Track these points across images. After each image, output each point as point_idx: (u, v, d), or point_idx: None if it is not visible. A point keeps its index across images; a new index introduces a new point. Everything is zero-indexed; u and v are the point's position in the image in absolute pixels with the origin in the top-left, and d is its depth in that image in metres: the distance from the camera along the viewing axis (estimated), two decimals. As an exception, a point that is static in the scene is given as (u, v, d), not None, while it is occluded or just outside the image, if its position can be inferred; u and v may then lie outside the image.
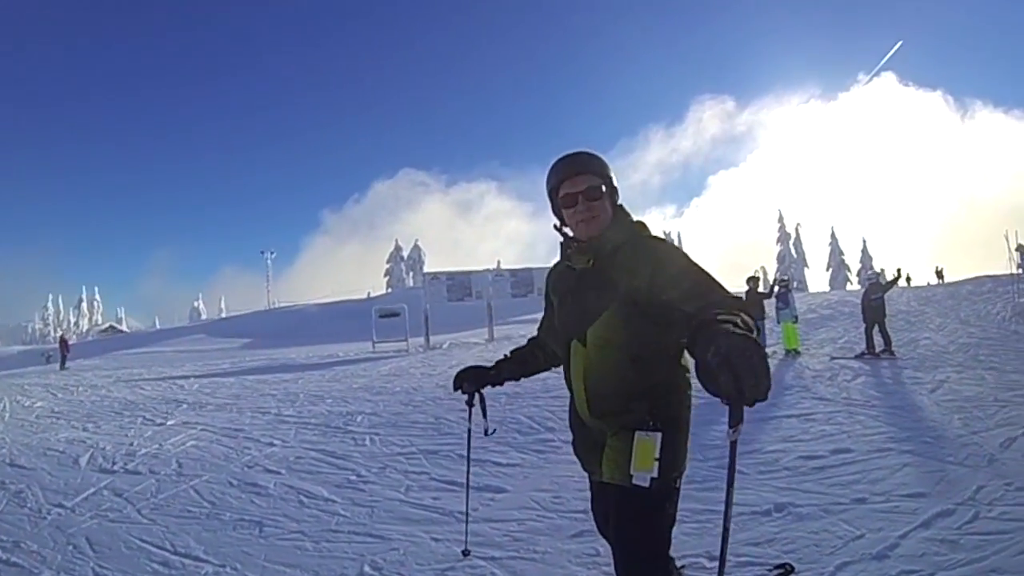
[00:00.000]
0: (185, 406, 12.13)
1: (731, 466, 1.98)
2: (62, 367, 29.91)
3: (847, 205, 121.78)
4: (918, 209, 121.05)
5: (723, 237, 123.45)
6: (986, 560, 3.77)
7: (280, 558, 4.47)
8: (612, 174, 2.50)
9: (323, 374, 16.34)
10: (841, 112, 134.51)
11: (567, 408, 2.69)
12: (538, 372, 3.05)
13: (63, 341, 33.56)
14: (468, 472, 3.84)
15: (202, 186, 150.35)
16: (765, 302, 15.25)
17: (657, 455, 2.25)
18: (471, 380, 3.00)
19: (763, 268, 70.43)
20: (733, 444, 1.86)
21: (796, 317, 14.87)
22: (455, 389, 3.01)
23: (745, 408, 1.64)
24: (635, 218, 2.54)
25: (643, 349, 2.34)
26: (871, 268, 61.60)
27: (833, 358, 13.14)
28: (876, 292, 14.45)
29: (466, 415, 3.22)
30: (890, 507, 4.71)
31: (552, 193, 2.53)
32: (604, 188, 2.45)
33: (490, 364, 3.07)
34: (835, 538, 4.23)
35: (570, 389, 2.59)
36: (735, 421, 1.72)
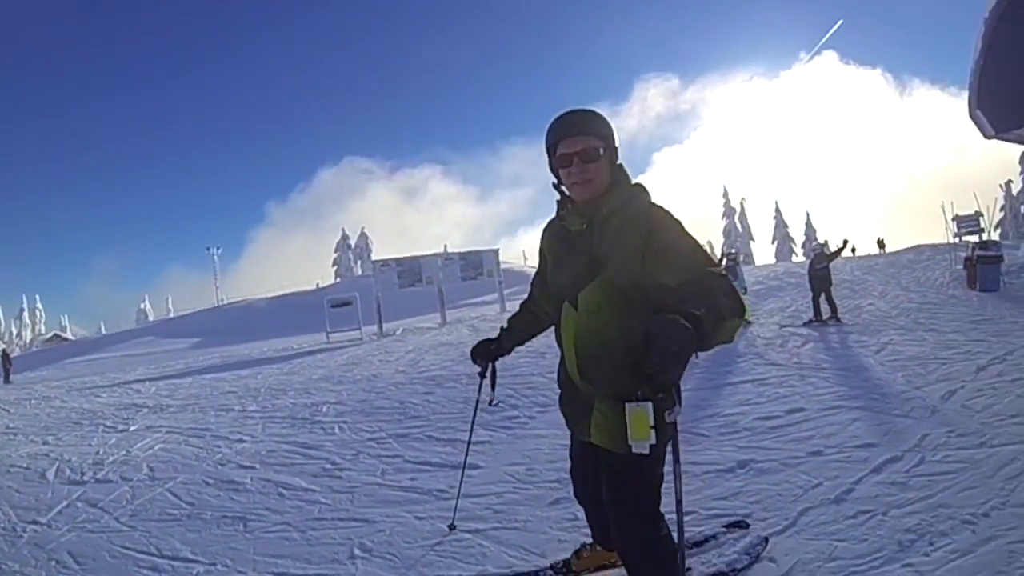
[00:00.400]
0: (145, 410, 11.93)
1: (674, 446, 2.39)
2: (6, 381, 29.28)
3: (791, 180, 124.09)
4: (860, 183, 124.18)
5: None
6: (934, 497, 4.17)
7: (269, 550, 4.53)
8: (614, 134, 2.49)
9: (280, 367, 16.19)
10: (784, 89, 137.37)
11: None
12: (540, 332, 3.19)
13: (5, 354, 32.34)
14: (468, 445, 4.45)
15: (141, 185, 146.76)
16: None
17: (652, 423, 2.20)
18: (482, 356, 3.27)
19: (710, 243, 71.33)
20: (673, 424, 2.25)
21: (745, 288, 15.23)
22: (473, 361, 3.33)
23: (692, 380, 1.80)
24: (634, 181, 2.54)
25: (633, 318, 2.29)
26: (816, 240, 62.85)
27: (783, 326, 13.52)
28: (821, 262, 14.86)
29: (473, 390, 3.65)
30: (844, 457, 5.10)
31: (549, 151, 2.51)
32: (602, 150, 2.43)
33: (495, 336, 3.31)
34: (796, 488, 4.57)
35: (560, 348, 2.65)
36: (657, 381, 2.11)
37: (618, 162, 2.53)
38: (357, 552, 4.30)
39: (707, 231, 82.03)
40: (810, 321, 13.80)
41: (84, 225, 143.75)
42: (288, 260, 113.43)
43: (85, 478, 7.16)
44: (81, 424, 11.35)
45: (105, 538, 5.16)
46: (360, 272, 70.96)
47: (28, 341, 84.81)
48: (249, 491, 5.96)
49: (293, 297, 60.42)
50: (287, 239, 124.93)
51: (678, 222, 2.36)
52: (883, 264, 28.45)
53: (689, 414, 6.80)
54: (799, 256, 68.99)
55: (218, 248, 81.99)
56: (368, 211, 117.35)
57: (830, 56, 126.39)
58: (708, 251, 2.34)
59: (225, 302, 73.43)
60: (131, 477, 6.94)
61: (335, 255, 78.99)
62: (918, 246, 39.79)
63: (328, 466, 6.43)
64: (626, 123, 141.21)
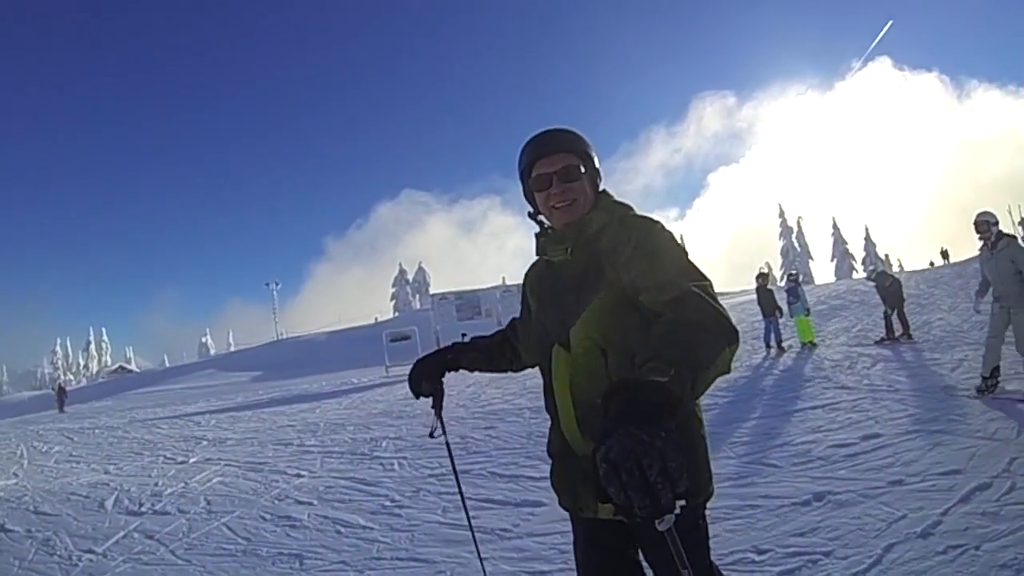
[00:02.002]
0: (205, 442, 12.06)
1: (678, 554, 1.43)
2: (60, 411, 31.23)
3: (847, 194, 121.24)
4: (920, 192, 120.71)
5: (725, 236, 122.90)
6: None
7: (324, 590, 4.40)
8: (594, 153, 2.18)
9: (340, 402, 16.26)
10: (837, 101, 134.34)
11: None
12: (501, 370, 2.67)
13: (61, 388, 35.75)
14: (460, 488, 2.92)
15: (204, 220, 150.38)
16: (777, 297, 15.21)
17: None
18: (428, 376, 2.53)
19: (768, 264, 70.39)
20: (668, 532, 1.35)
21: (808, 310, 14.81)
22: (416, 395, 2.53)
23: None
24: (619, 200, 2.20)
25: (638, 346, 1.82)
26: (875, 257, 61.52)
27: (851, 347, 13.08)
28: (887, 279, 14.46)
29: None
30: (927, 486, 4.78)
31: (524, 175, 2.19)
32: (583, 169, 2.11)
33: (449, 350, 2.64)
34: (877, 521, 4.29)
35: (551, 411, 2.19)
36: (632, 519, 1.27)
37: (601, 186, 2.21)
38: (416, 593, 4.14)
39: (765, 252, 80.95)
40: (882, 339, 13.35)
41: (149, 259, 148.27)
42: (346, 294, 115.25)
43: (143, 509, 7.18)
44: (142, 455, 11.51)
45: (159, 571, 5.14)
46: (418, 306, 71.57)
47: (94, 372, 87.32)
48: (306, 528, 5.87)
49: (352, 331, 61.14)
50: (345, 273, 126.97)
51: (668, 231, 2.00)
52: (949, 276, 27.51)
53: (759, 443, 6.57)
54: (859, 273, 67.54)
55: (277, 284, 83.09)
56: (426, 244, 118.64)
57: (883, 62, 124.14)
58: (697, 266, 1.90)
59: (285, 336, 74.56)
60: (188, 510, 6.93)
61: (393, 289, 79.76)
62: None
63: (387, 503, 6.30)
64: (683, 144, 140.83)
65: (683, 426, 1.89)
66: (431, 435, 2.57)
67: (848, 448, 6.02)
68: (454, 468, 2.69)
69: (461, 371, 2.61)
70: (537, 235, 2.24)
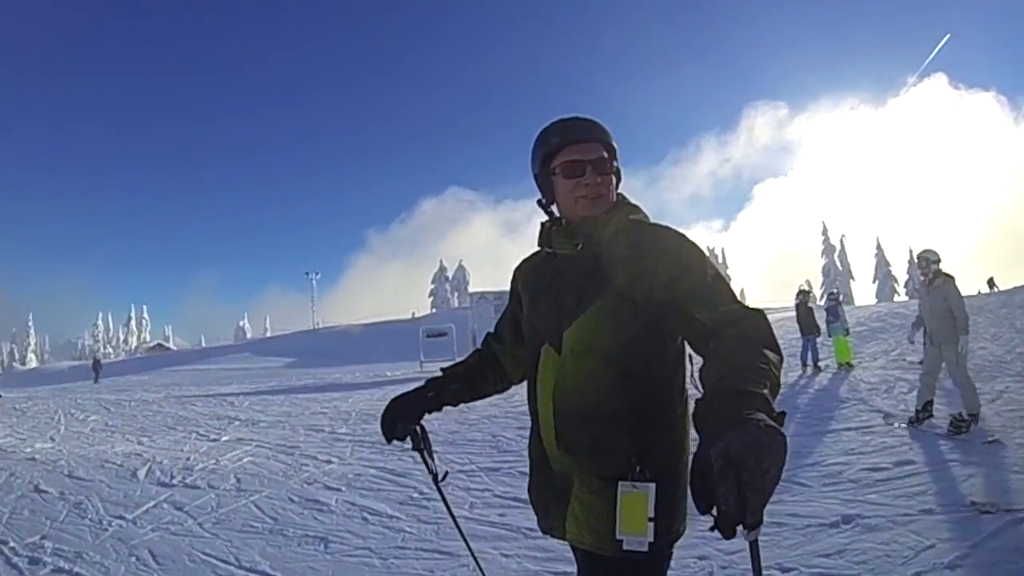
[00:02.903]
0: (237, 423, 12.23)
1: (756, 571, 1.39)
2: (95, 381, 34.09)
3: (893, 215, 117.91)
4: (970, 217, 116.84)
5: (767, 251, 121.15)
6: None
7: (348, 574, 4.47)
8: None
9: (372, 393, 16.29)
10: (889, 117, 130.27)
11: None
12: (486, 395, 2.36)
13: (96, 361, 40.49)
14: (452, 515, 2.55)
15: (248, 206, 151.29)
16: (816, 315, 15.02)
17: (651, 513, 1.68)
18: (404, 417, 2.17)
19: (808, 282, 69.54)
20: (753, 544, 1.31)
21: (847, 330, 14.59)
22: (388, 439, 2.18)
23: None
24: (634, 203, 2.03)
25: (636, 362, 1.81)
26: (918, 280, 60.51)
27: (888, 370, 12.86)
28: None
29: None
30: (958, 517, 4.68)
31: (546, 158, 1.96)
32: (612, 166, 1.95)
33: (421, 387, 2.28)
34: (905, 548, 4.22)
35: (533, 414, 2.01)
36: (729, 529, 1.20)
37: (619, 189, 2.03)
38: (440, 586, 4.15)
39: (806, 269, 79.72)
40: (920, 363, 13.06)
41: (194, 241, 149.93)
42: (385, 288, 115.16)
43: (174, 481, 7.31)
44: (175, 429, 11.74)
45: (187, 542, 5.23)
46: (456, 304, 71.42)
47: (133, 347, 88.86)
48: (333, 512, 5.92)
49: (388, 325, 61.41)
50: (385, 267, 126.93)
51: (700, 248, 1.84)
52: (995, 304, 26.84)
53: (790, 461, 6.43)
54: (901, 296, 66.35)
55: (317, 274, 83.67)
56: (468, 243, 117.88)
57: (939, 79, 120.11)
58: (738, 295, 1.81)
59: (321, 326, 75.13)
60: (218, 486, 7.04)
61: (432, 286, 79.88)
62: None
63: (415, 495, 6.32)
64: (732, 153, 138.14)
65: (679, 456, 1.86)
66: (434, 479, 2.24)
67: (880, 472, 5.93)
68: (450, 512, 2.45)
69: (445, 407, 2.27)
70: (545, 224, 2.04)
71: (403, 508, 5.90)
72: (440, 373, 2.31)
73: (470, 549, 2.39)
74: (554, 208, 2.02)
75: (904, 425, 7.75)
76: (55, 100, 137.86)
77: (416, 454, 2.16)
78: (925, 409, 7.76)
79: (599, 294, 1.83)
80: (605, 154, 1.91)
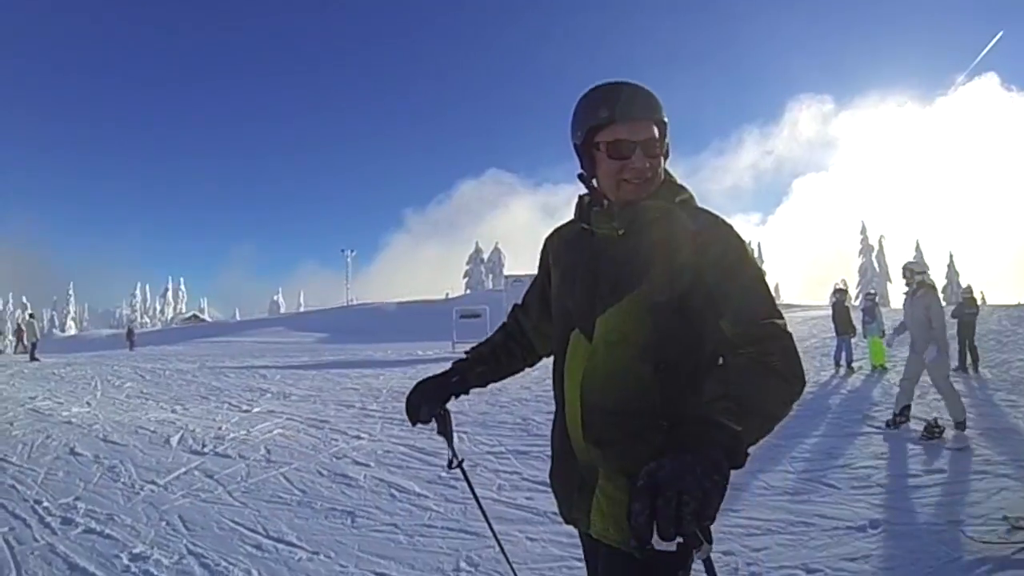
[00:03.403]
0: (269, 395, 12.35)
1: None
2: (130, 349, 36.12)
3: (935, 217, 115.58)
4: (1014, 223, 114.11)
5: (805, 247, 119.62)
6: None
7: (374, 549, 4.48)
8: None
9: (404, 371, 16.35)
10: (937, 117, 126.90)
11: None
12: (515, 372, 2.28)
13: (130, 331, 42.94)
14: (479, 502, 2.39)
15: (287, 181, 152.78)
16: (852, 315, 14.82)
17: None
18: (429, 400, 2.12)
19: (844, 281, 68.59)
20: (707, 562, 1.27)
21: (883, 332, 14.35)
22: (413, 422, 2.13)
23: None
24: (680, 183, 1.87)
25: (672, 355, 1.70)
26: (957, 286, 59.27)
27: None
28: (971, 307, 14.11)
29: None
30: (987, 531, 4.57)
31: (591, 131, 1.76)
32: (662, 145, 1.78)
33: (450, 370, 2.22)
34: (932, 558, 4.17)
35: (559, 400, 1.91)
36: (637, 540, 1.19)
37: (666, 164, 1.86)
38: (463, 565, 4.18)
39: (842, 268, 78.55)
40: (955, 369, 12.84)
41: (231, 214, 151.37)
42: (420, 268, 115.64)
43: (205, 450, 7.41)
44: (208, 399, 11.90)
45: (216, 509, 5.29)
46: (491, 286, 71.49)
47: (169, 318, 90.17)
48: (361, 488, 5.95)
49: (422, 305, 61.57)
50: (421, 247, 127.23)
51: (745, 244, 1.73)
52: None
53: (819, 462, 6.42)
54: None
55: (353, 251, 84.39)
56: (505, 225, 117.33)
57: (990, 79, 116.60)
58: (773, 291, 1.66)
59: (355, 303, 75.58)
60: (248, 456, 7.11)
61: (467, 267, 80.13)
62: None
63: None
64: (775, 146, 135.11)
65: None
66: (449, 466, 2.17)
67: (911, 480, 5.87)
68: (474, 494, 2.28)
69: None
70: (584, 198, 1.90)
71: (431, 487, 5.90)
72: (466, 355, 2.25)
73: (493, 531, 2.31)
74: (595, 183, 1.84)
75: (878, 427, 8.12)
76: (101, 74, 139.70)
77: (441, 437, 2.11)
78: (903, 413, 8.05)
79: (637, 282, 1.71)
80: (656, 133, 1.74)
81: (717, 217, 1.75)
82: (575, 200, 1.94)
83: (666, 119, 1.78)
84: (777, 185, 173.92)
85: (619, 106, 1.71)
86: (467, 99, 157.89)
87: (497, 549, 4.31)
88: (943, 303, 8.70)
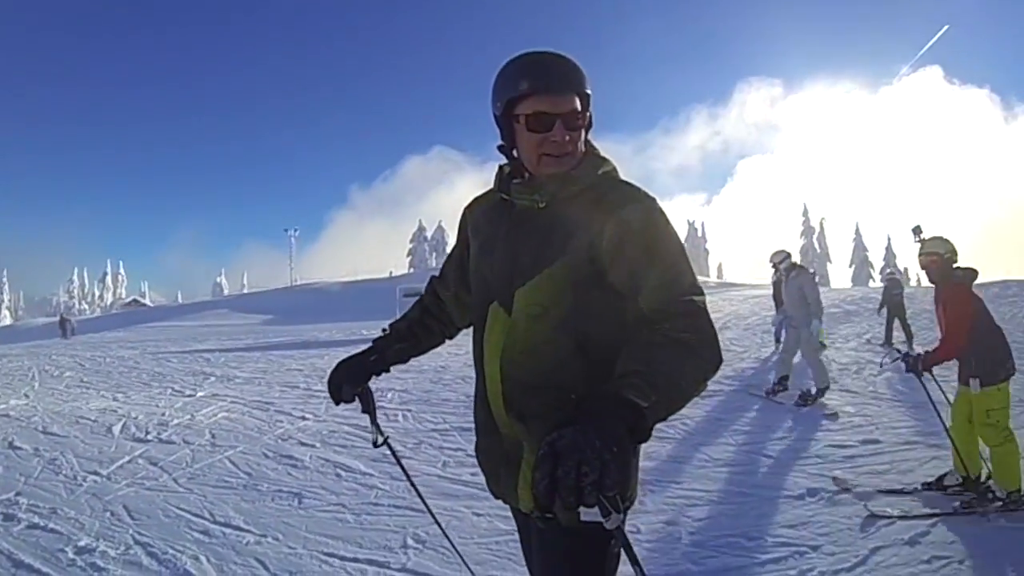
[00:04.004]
0: (213, 379, 12.22)
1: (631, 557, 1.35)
2: (64, 337, 34.72)
3: (874, 201, 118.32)
4: (951, 209, 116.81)
5: (747, 227, 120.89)
6: (1019, 549, 3.96)
7: (321, 529, 4.53)
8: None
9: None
10: (881, 105, 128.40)
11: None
12: (432, 348, 2.29)
13: (63, 319, 40.57)
14: (408, 476, 2.50)
15: (227, 157, 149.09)
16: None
17: None
18: (350, 380, 2.11)
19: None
20: (618, 529, 1.27)
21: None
22: (336, 401, 2.12)
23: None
24: (604, 155, 1.84)
25: (593, 329, 1.69)
26: (894, 266, 60.81)
27: (860, 352, 13.07)
28: (897, 287, 14.61)
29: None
30: (920, 496, 4.85)
31: (510, 103, 1.73)
32: (584, 117, 1.75)
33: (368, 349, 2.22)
34: (868, 523, 4.36)
35: (479, 373, 1.88)
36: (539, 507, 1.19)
37: (590, 136, 1.84)
38: (410, 542, 4.26)
39: (785, 249, 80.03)
40: (882, 345, 13.40)
41: (170, 194, 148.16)
42: (365, 246, 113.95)
43: (149, 437, 7.35)
44: (150, 385, 11.72)
45: (161, 497, 5.27)
46: (435, 264, 70.81)
47: (108, 304, 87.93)
48: (307, 468, 5.99)
49: (366, 284, 60.85)
50: (366, 224, 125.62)
51: (667, 219, 1.69)
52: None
53: (759, 435, 6.62)
54: (876, 282, 66.90)
55: (296, 230, 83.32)
56: (450, 203, 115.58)
57: (934, 71, 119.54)
58: (716, 271, 1.56)
59: (299, 283, 74.58)
60: (193, 441, 7.09)
61: (411, 245, 79.42)
62: (1005, 280, 37.92)
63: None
64: (723, 127, 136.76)
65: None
66: (375, 444, 2.20)
67: (846, 450, 6.09)
68: (403, 468, 2.38)
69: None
70: (503, 168, 1.88)
71: (376, 465, 5.95)
72: (384, 332, 2.25)
73: (426, 505, 2.42)
74: (515, 154, 1.82)
75: (760, 395, 8.78)
76: (26, 55, 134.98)
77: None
78: (781, 383, 8.74)
79: (558, 255, 1.68)
80: (579, 106, 1.71)
81: (639, 190, 1.73)
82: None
83: (589, 91, 1.75)
84: (724, 166, 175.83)
85: (539, 78, 1.69)
86: (414, 74, 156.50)
87: (445, 526, 4.42)
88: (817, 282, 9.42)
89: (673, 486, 5.14)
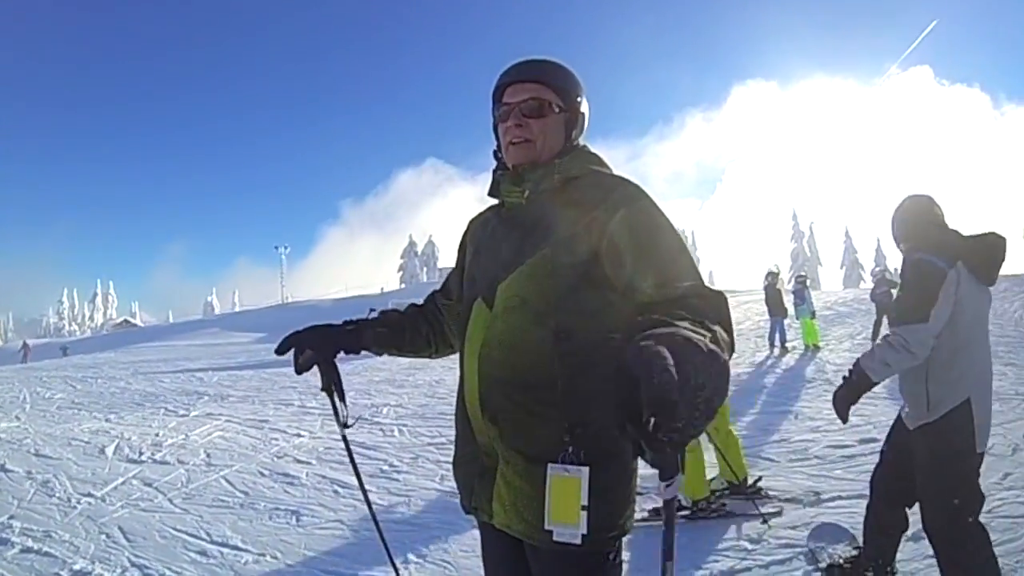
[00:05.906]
0: (206, 398, 12.18)
1: (668, 540, 1.29)
2: (23, 362, 34.80)
3: (864, 204, 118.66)
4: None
5: (737, 233, 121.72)
6: (1017, 540, 3.93)
7: (320, 546, 4.49)
8: (580, 96, 1.79)
9: (342, 368, 15.81)
10: (869, 107, 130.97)
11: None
12: (414, 350, 2.12)
13: (25, 344, 42.24)
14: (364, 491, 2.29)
15: (218, 177, 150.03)
16: (784, 298, 15.29)
17: (584, 501, 1.47)
18: (316, 345, 1.93)
19: (777, 265, 70.10)
20: (669, 503, 1.18)
21: (814, 312, 14.83)
22: (296, 368, 1.95)
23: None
24: (597, 153, 1.82)
25: (573, 323, 1.58)
26: (883, 265, 61.16)
27: (855, 353, 13.10)
28: (882, 286, 14.64)
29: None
30: (921, 493, 4.76)
31: (494, 106, 1.80)
32: (557, 108, 1.73)
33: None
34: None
35: (461, 374, 1.79)
36: (667, 468, 1.04)
37: (581, 138, 1.82)
38: (411, 557, 4.21)
39: (773, 254, 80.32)
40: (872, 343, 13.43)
41: (160, 214, 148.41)
42: (356, 262, 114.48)
43: (143, 457, 7.28)
44: (143, 405, 11.64)
45: (157, 518, 5.20)
46: (426, 279, 70.94)
47: (99, 324, 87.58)
48: (304, 486, 5.94)
49: (357, 300, 60.72)
50: (357, 240, 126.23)
51: (662, 211, 1.62)
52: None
53: (757, 438, 6.59)
54: (867, 283, 67.21)
55: (287, 248, 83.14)
56: (444, 217, 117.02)
57: (924, 71, 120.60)
58: (691, 254, 1.52)
59: (290, 300, 74.41)
60: (188, 461, 7.02)
61: (401, 260, 79.35)
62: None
63: (386, 468, 6.36)
64: (716, 132, 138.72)
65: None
66: (345, 424, 1.98)
67: (845, 450, 6.06)
68: (354, 466, 2.22)
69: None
70: (495, 171, 1.85)
71: (374, 481, 5.93)
72: (372, 311, 2.15)
73: (378, 527, 2.23)
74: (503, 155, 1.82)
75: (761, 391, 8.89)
76: (13, 70, 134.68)
77: (364, 416, 1.98)
78: None
79: (540, 245, 1.63)
80: (548, 96, 1.71)
81: (628, 182, 1.68)
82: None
83: (566, 84, 1.75)
84: (717, 172, 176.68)
85: (506, 74, 1.76)
86: (407, 89, 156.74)
87: (443, 538, 4.39)
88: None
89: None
